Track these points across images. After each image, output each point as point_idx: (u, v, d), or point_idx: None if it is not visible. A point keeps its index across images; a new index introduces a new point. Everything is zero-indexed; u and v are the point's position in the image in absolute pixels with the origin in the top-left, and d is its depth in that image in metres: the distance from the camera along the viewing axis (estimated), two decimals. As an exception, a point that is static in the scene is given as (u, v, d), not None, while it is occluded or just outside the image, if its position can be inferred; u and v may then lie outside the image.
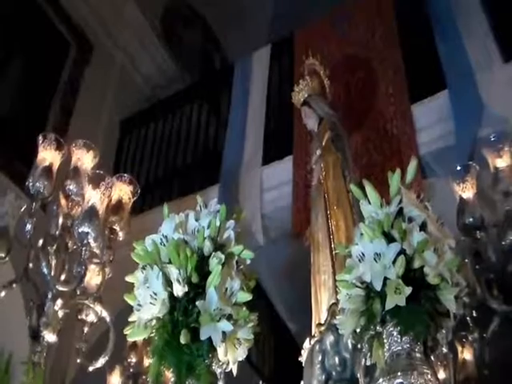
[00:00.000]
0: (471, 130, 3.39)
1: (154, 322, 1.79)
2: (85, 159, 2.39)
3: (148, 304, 1.73)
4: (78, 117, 5.01)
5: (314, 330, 2.42)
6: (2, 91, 4.53)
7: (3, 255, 2.07)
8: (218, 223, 1.86)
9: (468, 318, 2.02)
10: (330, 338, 2.22)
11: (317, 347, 2.27)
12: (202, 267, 1.77)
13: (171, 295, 1.75)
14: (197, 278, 1.73)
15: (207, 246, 1.78)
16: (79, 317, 2.17)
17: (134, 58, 6.07)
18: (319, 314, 2.45)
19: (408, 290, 1.68)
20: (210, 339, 1.68)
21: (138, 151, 5.39)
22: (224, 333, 1.70)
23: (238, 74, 4.82)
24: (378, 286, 1.71)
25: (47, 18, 5.11)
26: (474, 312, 2.03)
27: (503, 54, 3.67)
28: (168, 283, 1.77)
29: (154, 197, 4.92)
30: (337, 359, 2.19)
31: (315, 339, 2.34)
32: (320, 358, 2.22)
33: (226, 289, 1.75)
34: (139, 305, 1.78)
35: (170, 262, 1.79)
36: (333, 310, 2.33)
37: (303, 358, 2.37)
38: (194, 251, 1.79)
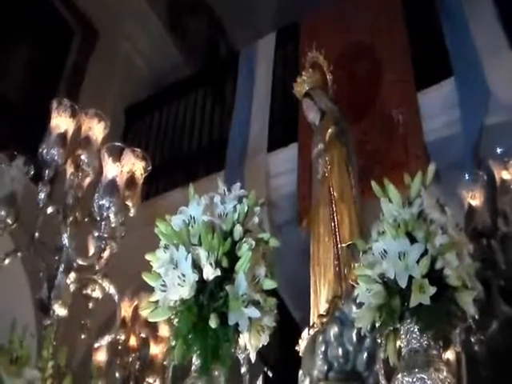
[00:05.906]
0: (478, 117, 3.36)
1: (172, 303, 1.77)
2: (96, 129, 2.31)
3: (176, 285, 1.70)
4: (82, 104, 4.88)
5: (312, 320, 2.45)
6: (6, 78, 4.35)
7: (11, 222, 1.97)
8: (245, 208, 1.85)
9: (470, 321, 2.10)
10: (334, 330, 2.25)
11: (320, 338, 2.29)
12: (230, 252, 1.76)
13: (198, 278, 1.72)
14: (227, 263, 1.71)
15: (238, 231, 1.77)
16: (84, 292, 2.11)
17: (138, 45, 5.95)
18: (318, 305, 2.48)
19: (433, 290, 1.73)
20: (235, 325, 1.68)
21: (143, 138, 5.28)
22: (249, 319, 1.70)
23: (244, 61, 4.77)
24: (403, 284, 1.76)
25: (52, 4, 4.95)
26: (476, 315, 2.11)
27: (510, 40, 3.64)
28: (194, 265, 1.74)
29: (158, 184, 4.83)
30: (340, 351, 2.22)
31: (315, 329, 2.37)
32: (323, 349, 2.24)
33: (254, 275, 1.75)
34: (163, 285, 1.75)
35: (197, 244, 1.77)
36: (335, 303, 2.37)
37: (301, 348, 2.40)
38: (222, 235, 1.78)
